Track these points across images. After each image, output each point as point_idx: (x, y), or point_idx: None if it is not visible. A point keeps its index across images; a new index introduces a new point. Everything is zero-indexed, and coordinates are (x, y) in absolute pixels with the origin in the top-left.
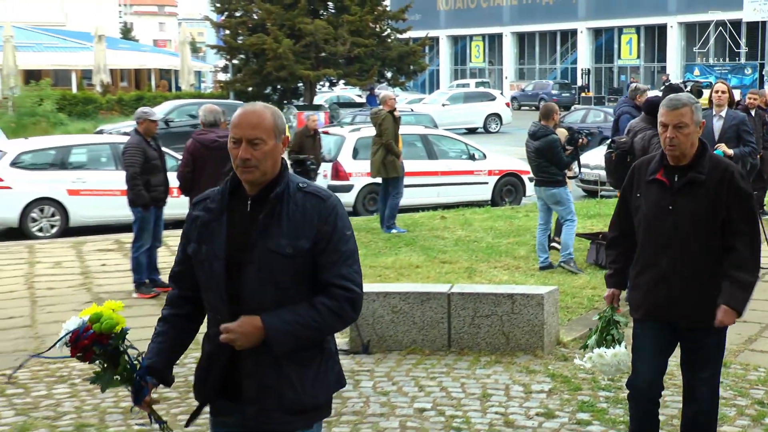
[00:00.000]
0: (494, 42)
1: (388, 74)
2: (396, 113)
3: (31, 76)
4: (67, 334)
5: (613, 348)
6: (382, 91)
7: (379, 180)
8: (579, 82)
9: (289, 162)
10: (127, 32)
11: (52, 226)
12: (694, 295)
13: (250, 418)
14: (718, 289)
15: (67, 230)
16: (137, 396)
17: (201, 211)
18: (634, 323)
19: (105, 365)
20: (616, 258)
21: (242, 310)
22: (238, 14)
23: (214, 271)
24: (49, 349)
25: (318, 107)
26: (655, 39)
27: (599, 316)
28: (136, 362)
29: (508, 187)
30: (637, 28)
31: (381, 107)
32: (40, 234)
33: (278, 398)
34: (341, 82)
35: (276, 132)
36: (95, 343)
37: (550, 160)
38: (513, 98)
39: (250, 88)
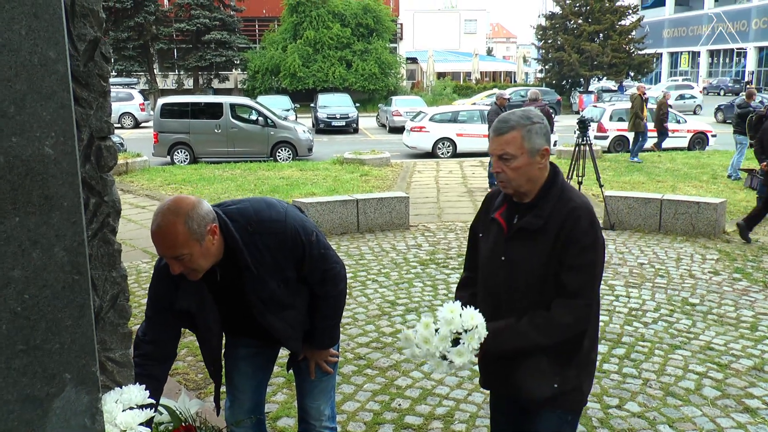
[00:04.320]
0: (695, 56)
1: (632, 74)
2: (644, 96)
3: (441, 75)
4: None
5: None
6: (636, 83)
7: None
8: (746, 78)
9: (576, 120)
10: (489, 51)
11: (448, 152)
12: (525, 368)
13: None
14: (554, 360)
15: (455, 154)
16: None
17: (174, 282)
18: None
19: None
20: (466, 303)
21: (255, 318)
22: (549, 41)
23: (213, 331)
24: None
25: (591, 92)
26: None
27: None
28: None
29: (698, 140)
30: None
31: (636, 92)
32: (442, 155)
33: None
34: (604, 77)
35: (195, 236)
36: None
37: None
38: (704, 88)
39: (554, 81)
